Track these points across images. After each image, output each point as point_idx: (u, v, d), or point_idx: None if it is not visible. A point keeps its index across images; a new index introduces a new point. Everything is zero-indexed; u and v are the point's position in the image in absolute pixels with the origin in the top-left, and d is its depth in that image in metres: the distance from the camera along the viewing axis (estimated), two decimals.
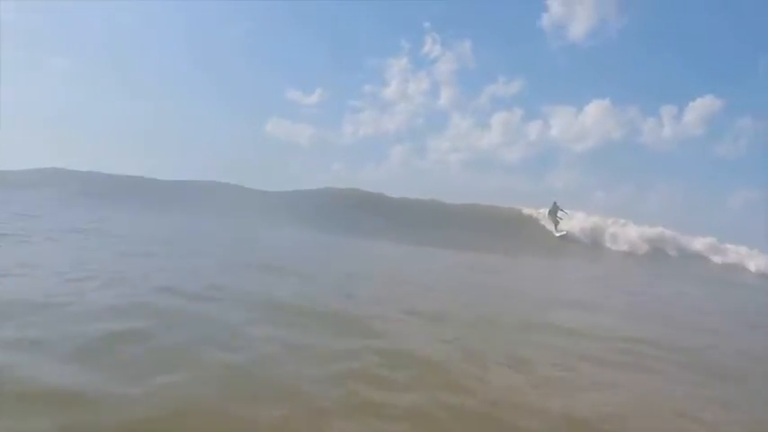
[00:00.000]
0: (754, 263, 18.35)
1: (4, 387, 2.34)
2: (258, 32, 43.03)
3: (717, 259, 19.08)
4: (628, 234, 19.77)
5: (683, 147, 33.01)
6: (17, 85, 35.95)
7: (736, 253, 19.11)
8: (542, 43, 37.34)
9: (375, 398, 2.67)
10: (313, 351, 3.31)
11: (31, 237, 7.25)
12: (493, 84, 38.25)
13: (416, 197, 22.79)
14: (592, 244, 20.03)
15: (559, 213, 20.80)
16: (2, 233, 7.25)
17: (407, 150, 36.49)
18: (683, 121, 32.40)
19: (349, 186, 23.68)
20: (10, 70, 33.04)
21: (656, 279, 13.04)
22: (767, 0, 35.67)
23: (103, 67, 43.50)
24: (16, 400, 2.25)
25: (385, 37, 45.57)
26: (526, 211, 22.29)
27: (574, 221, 21.21)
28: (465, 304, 5.80)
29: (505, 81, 36.09)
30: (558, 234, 20.33)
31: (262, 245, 10.27)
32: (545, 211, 21.16)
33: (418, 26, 42.13)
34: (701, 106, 31.42)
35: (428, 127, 40.09)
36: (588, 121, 32.20)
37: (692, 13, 39.70)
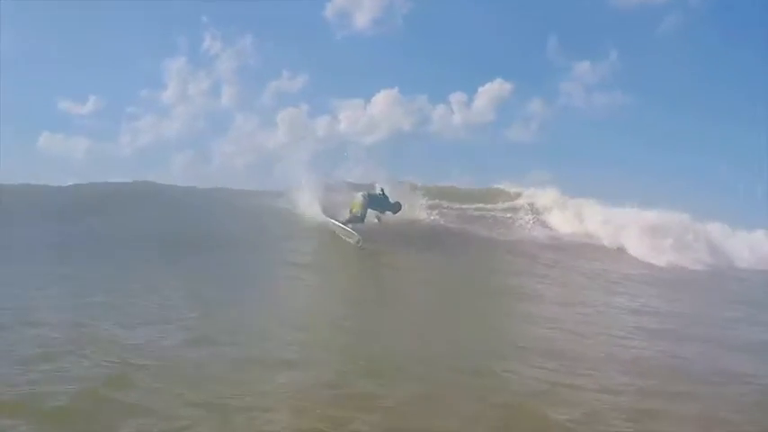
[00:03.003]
0: None
1: None
2: (16, 37, 39.04)
3: None
4: None
5: (474, 133, 31.31)
6: None
7: None
8: (327, 34, 36.58)
9: None
10: None
11: None
12: (277, 80, 34.13)
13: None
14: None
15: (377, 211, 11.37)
16: None
17: (190, 156, 32.39)
18: (472, 107, 30.28)
19: None
20: None
21: None
22: None
23: None
24: None
25: (159, 35, 40.89)
26: None
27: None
28: None
29: (290, 76, 34.53)
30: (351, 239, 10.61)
31: None
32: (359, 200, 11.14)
33: (195, 21, 36.73)
34: (490, 91, 29.45)
35: (211, 129, 37.57)
36: (377, 112, 29.47)
37: None
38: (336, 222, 11.02)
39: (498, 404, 3.62)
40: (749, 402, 4.02)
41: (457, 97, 31.05)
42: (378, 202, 11.13)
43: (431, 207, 13.99)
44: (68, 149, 33.87)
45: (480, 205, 15.73)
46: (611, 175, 31.92)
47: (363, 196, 11.07)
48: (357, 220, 10.95)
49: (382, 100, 30.40)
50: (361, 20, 34.34)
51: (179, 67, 33.03)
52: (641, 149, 35.99)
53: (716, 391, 4.21)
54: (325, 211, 11.58)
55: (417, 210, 13.21)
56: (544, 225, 15.14)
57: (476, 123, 31.34)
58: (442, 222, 13.41)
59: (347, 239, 10.62)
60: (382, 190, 11.37)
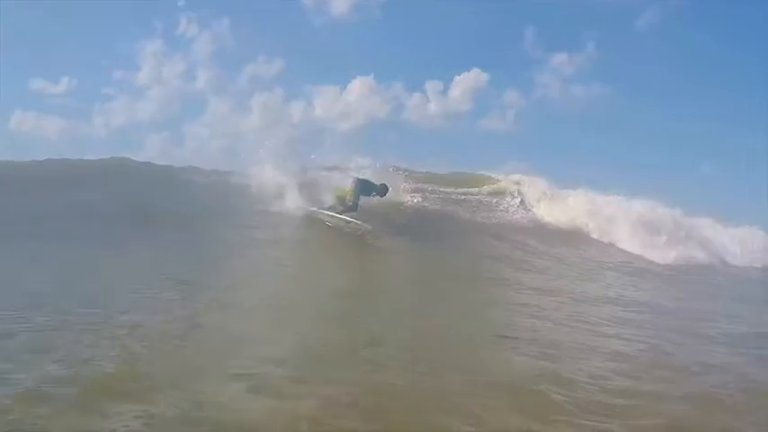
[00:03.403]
0: None
1: None
2: None
3: None
4: None
5: (450, 121, 32.52)
6: None
7: None
8: (304, 20, 37.52)
9: None
10: None
11: None
12: (253, 64, 36.58)
13: None
14: None
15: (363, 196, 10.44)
16: None
17: (164, 138, 33.05)
18: (449, 96, 31.81)
19: None
20: None
21: None
22: None
23: None
24: None
25: (135, 18, 41.90)
26: None
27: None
28: None
29: (266, 60, 35.12)
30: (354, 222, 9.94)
31: None
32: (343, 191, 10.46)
33: (171, 4, 40.07)
34: (467, 80, 30.63)
35: (185, 113, 38.59)
36: (352, 99, 30.27)
37: None
38: (335, 215, 10.25)
39: (487, 388, 3.54)
40: (735, 389, 4.02)
41: (433, 86, 31.44)
42: (367, 186, 10.58)
43: (414, 191, 13.85)
44: (42, 129, 33.32)
45: (465, 189, 15.65)
46: (588, 166, 32.10)
47: (354, 182, 10.36)
48: (352, 209, 10.25)
49: (358, 87, 30.58)
50: (339, 7, 35.19)
51: (154, 50, 33.11)
52: (619, 142, 36.48)
53: (699, 380, 4.23)
54: (307, 198, 10.98)
55: (400, 193, 13.04)
56: (528, 211, 15.13)
57: (452, 112, 31.68)
58: (426, 205, 13.31)
59: (355, 231, 9.87)
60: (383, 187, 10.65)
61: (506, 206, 15.11)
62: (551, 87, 34.09)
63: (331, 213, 10.37)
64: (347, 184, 10.46)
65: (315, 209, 10.69)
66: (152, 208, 9.71)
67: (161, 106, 33.04)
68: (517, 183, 16.18)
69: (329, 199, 10.79)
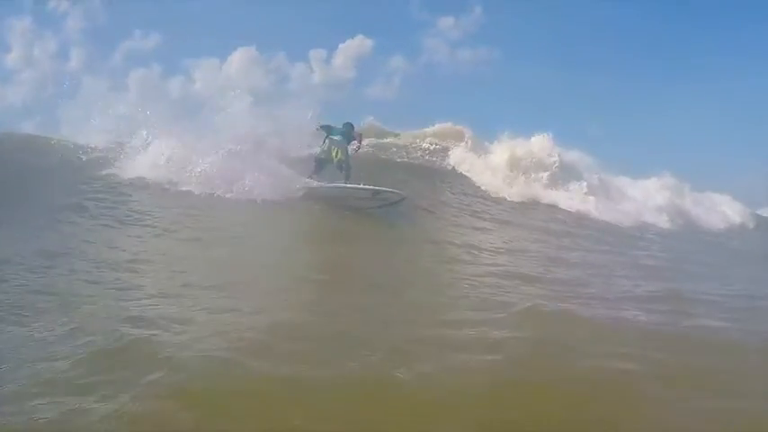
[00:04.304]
0: None
1: None
2: None
3: None
4: None
5: (334, 91, 31.00)
6: None
7: None
8: None
9: None
10: None
11: None
12: (128, 39, 32.55)
13: None
14: None
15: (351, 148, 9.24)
16: None
17: (37, 125, 30.20)
18: (333, 64, 30.14)
19: None
20: None
21: None
22: None
23: None
24: None
25: None
26: None
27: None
28: None
29: (142, 35, 31.75)
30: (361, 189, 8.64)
31: None
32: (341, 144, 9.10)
33: None
34: (351, 48, 29.31)
35: (60, 95, 35.47)
36: (233, 71, 28.22)
37: None
38: (350, 186, 8.58)
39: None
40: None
41: (317, 54, 29.41)
42: (348, 132, 9.13)
43: None
44: None
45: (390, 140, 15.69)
46: (480, 130, 32.09)
47: (341, 140, 8.91)
48: (349, 168, 8.92)
49: (239, 58, 27.99)
50: None
51: (23, 28, 28.84)
52: (508, 105, 36.70)
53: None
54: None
55: None
56: (445, 155, 15.16)
57: (336, 81, 29.82)
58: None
59: (389, 203, 8.57)
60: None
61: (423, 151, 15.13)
62: (439, 52, 33.22)
63: (341, 186, 8.68)
64: (337, 142, 8.86)
65: (310, 182, 8.84)
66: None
67: (33, 89, 29.58)
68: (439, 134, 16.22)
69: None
